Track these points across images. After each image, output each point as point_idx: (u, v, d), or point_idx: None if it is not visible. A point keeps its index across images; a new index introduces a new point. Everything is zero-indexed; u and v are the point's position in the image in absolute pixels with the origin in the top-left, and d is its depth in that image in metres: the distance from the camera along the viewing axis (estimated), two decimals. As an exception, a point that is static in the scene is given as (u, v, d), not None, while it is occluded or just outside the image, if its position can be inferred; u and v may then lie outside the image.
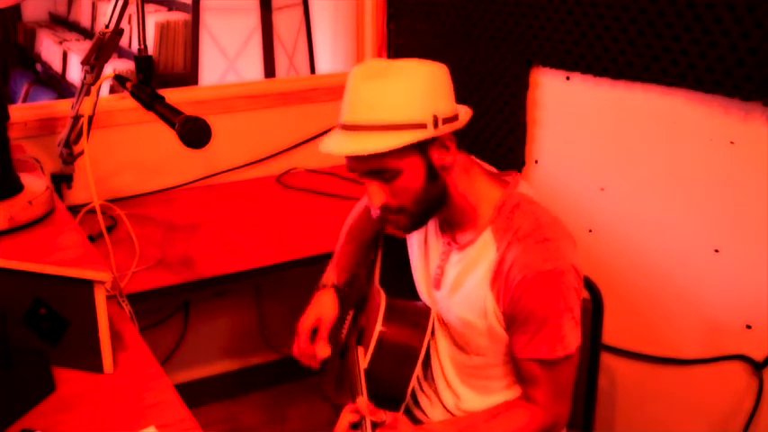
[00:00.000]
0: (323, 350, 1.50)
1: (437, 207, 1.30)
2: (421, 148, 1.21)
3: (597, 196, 1.88)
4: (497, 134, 2.12)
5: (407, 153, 1.20)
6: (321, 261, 1.87)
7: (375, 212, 1.29)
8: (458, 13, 2.16)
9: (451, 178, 1.28)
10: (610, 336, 1.81)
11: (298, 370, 1.58)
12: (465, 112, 1.28)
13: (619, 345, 1.89)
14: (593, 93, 1.84)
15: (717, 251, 1.64)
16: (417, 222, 1.31)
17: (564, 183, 1.98)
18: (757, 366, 1.60)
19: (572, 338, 1.26)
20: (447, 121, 1.22)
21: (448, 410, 1.44)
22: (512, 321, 1.29)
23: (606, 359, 1.91)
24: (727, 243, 1.62)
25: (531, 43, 1.95)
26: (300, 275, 1.88)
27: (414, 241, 1.47)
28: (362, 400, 1.29)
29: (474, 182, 1.32)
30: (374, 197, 1.25)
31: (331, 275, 1.62)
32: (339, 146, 1.21)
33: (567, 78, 1.91)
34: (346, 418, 1.28)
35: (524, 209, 1.29)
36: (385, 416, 1.27)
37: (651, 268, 1.79)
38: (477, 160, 1.39)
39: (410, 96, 1.19)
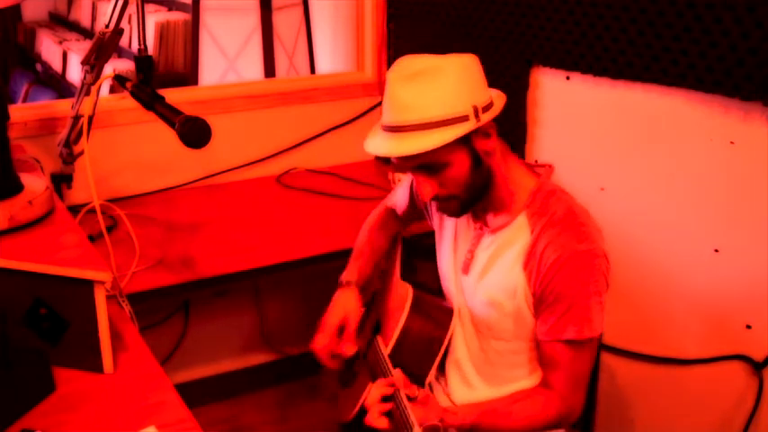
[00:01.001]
0: (349, 349, 1.49)
1: (484, 191, 1.34)
2: (465, 139, 1.25)
3: (597, 196, 1.88)
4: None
5: (454, 146, 1.24)
6: (321, 261, 1.88)
7: (426, 200, 1.32)
8: (458, 13, 2.16)
9: (495, 163, 1.32)
10: (610, 336, 1.81)
11: (298, 370, 1.58)
12: (498, 96, 1.32)
13: (619, 345, 1.89)
14: (593, 93, 1.84)
15: (717, 251, 1.64)
16: (467, 207, 1.35)
17: (564, 183, 1.97)
18: (757, 366, 1.60)
19: (598, 322, 1.29)
20: (486, 109, 1.27)
21: (454, 403, 1.46)
22: (540, 302, 1.31)
23: (606, 359, 1.91)
24: (727, 243, 1.62)
25: (531, 43, 1.95)
26: (300, 275, 1.88)
27: (446, 230, 1.50)
28: (399, 374, 1.32)
29: (511, 168, 1.36)
30: (424, 190, 1.29)
31: (352, 273, 1.61)
32: (388, 148, 1.25)
33: (567, 78, 1.91)
34: (379, 390, 1.30)
35: (559, 196, 1.34)
36: (418, 391, 1.29)
37: (651, 268, 1.79)
38: None
39: (449, 92, 1.23)
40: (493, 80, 2.09)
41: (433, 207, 1.51)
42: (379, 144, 1.28)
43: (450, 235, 1.48)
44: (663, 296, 1.78)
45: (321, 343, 1.50)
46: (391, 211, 1.69)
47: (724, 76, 1.51)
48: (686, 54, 1.57)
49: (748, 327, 1.61)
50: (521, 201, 1.35)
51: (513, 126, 2.07)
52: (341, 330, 1.51)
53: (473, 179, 1.29)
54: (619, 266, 1.86)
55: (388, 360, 1.41)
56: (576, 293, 1.27)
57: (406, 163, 1.28)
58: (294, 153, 2.50)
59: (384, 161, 1.31)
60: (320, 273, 1.75)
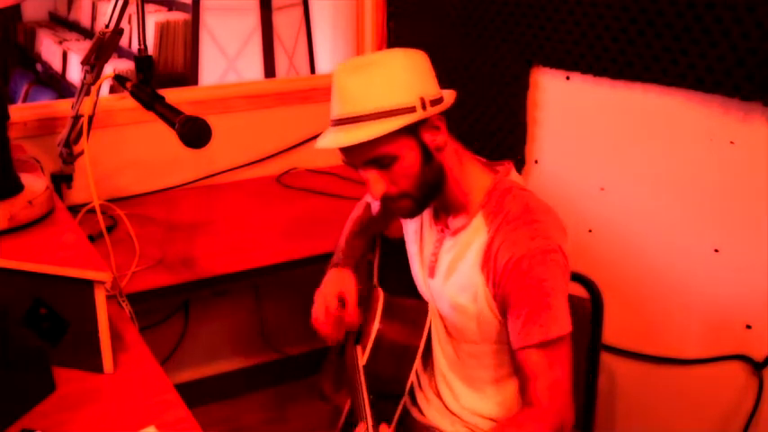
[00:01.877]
0: (356, 315, 1.45)
1: (437, 190, 1.31)
2: (413, 131, 1.24)
3: (597, 196, 1.88)
4: (497, 134, 2.12)
5: (400, 137, 1.23)
6: (321, 261, 1.87)
7: (376, 205, 1.30)
8: (458, 13, 2.16)
9: (446, 160, 1.31)
10: (610, 336, 1.81)
11: (298, 370, 1.58)
12: (449, 95, 1.31)
13: (619, 345, 1.89)
14: (593, 93, 1.84)
15: (717, 251, 1.64)
16: (420, 205, 1.32)
17: (564, 183, 1.98)
18: (757, 366, 1.60)
19: (564, 319, 1.25)
20: (434, 102, 1.26)
21: (448, 409, 1.45)
22: (503, 305, 1.29)
23: (606, 359, 1.91)
24: (727, 243, 1.62)
25: (531, 43, 1.95)
26: (300, 275, 1.88)
27: (410, 232, 1.49)
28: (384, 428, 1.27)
29: (466, 168, 1.34)
30: (375, 187, 1.27)
31: (339, 256, 1.58)
32: (333, 140, 1.25)
33: (567, 78, 1.91)
34: None
35: (515, 194, 1.32)
36: None
37: (651, 268, 1.79)
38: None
39: (395, 82, 1.23)
40: (493, 80, 2.11)
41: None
42: (328, 138, 1.26)
43: (415, 237, 1.46)
44: (663, 296, 1.78)
45: (322, 311, 1.44)
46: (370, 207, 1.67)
47: (724, 76, 1.51)
48: (686, 54, 1.57)
49: (748, 327, 1.61)
50: (477, 200, 1.33)
51: (513, 126, 2.07)
52: (341, 303, 1.46)
53: (424, 175, 1.27)
54: (618, 266, 1.87)
55: (362, 375, 1.36)
56: (534, 292, 1.24)
57: (354, 157, 1.26)
58: (294, 153, 2.50)
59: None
60: (320, 273, 1.75)
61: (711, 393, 1.71)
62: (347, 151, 1.26)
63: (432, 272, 1.41)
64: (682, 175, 1.68)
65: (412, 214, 1.34)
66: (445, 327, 1.42)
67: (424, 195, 1.30)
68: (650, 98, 1.70)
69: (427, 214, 1.43)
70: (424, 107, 1.23)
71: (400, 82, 1.23)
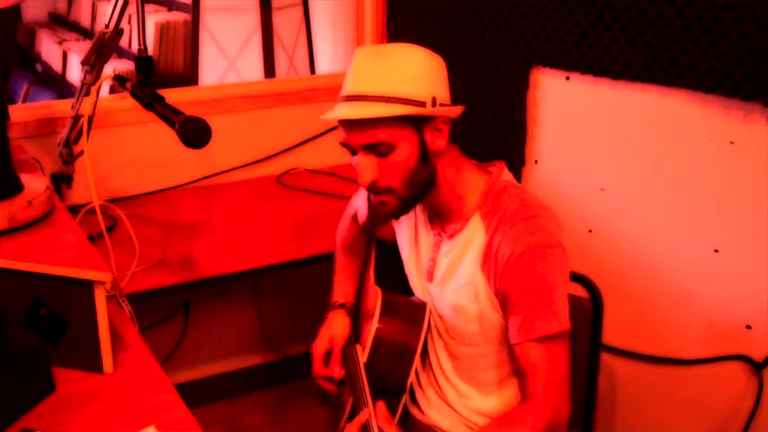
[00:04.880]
0: (338, 372, 1.52)
1: (424, 192, 1.31)
2: (417, 125, 1.25)
3: (597, 196, 1.88)
4: (497, 134, 2.12)
5: (403, 127, 1.24)
6: (321, 261, 1.87)
7: (363, 212, 1.30)
8: (458, 13, 2.16)
9: (441, 166, 1.31)
10: (610, 336, 1.81)
11: (298, 370, 1.58)
12: (458, 108, 1.31)
13: (619, 345, 1.89)
14: (593, 93, 1.84)
15: (717, 251, 1.64)
16: (405, 205, 1.32)
17: (564, 183, 1.98)
18: (757, 366, 1.60)
19: (564, 315, 1.27)
20: (444, 105, 1.27)
21: (452, 407, 1.45)
22: (504, 302, 1.29)
23: (606, 359, 1.91)
24: (727, 243, 1.62)
25: (531, 43, 1.95)
26: (300, 275, 1.88)
27: (404, 237, 1.49)
28: (381, 407, 1.31)
29: (461, 172, 1.35)
30: (365, 171, 1.27)
31: (338, 294, 1.64)
32: (340, 112, 1.25)
33: (567, 78, 1.91)
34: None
35: (511, 192, 1.32)
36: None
37: (651, 268, 1.79)
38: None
39: (412, 74, 1.24)
40: (493, 80, 2.11)
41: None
42: (337, 110, 1.26)
43: (411, 241, 1.46)
44: (663, 296, 1.78)
45: (315, 371, 1.55)
46: (354, 220, 1.67)
47: (724, 77, 1.51)
48: (686, 54, 1.57)
49: (748, 327, 1.61)
50: (472, 203, 1.33)
51: (513, 126, 2.07)
52: (329, 354, 1.54)
53: (416, 173, 1.27)
54: (618, 266, 1.86)
55: (363, 372, 1.39)
56: (536, 287, 1.25)
57: (355, 137, 1.25)
58: (294, 153, 2.50)
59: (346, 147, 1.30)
60: (320, 273, 1.75)
61: (711, 393, 1.71)
62: (350, 129, 1.26)
63: (430, 276, 1.41)
64: (682, 175, 1.68)
65: (395, 213, 1.34)
66: (446, 329, 1.42)
67: (410, 196, 1.30)
68: (650, 98, 1.70)
69: (422, 219, 1.43)
70: (434, 105, 1.24)
71: (417, 75, 1.24)
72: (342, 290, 1.65)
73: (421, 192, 1.31)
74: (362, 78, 1.25)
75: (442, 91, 1.28)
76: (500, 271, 1.27)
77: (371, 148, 1.25)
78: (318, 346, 1.56)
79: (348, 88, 1.26)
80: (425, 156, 1.27)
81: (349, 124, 1.25)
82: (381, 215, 1.37)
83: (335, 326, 1.57)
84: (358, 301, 1.60)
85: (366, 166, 1.27)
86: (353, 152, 1.29)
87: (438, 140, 1.28)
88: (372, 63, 1.25)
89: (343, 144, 1.29)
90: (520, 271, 1.25)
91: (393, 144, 1.24)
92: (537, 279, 1.25)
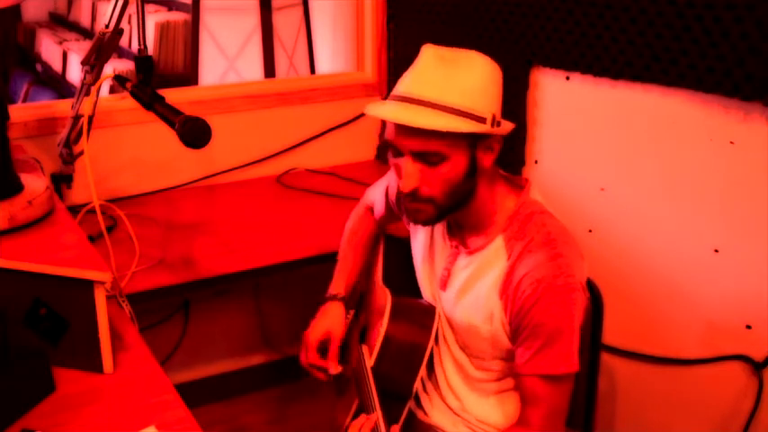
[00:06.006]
0: (334, 368, 1.49)
1: (461, 205, 1.29)
2: (472, 141, 1.22)
3: (597, 196, 1.88)
4: (497, 134, 2.12)
5: (461, 142, 1.20)
6: (321, 261, 1.87)
7: (380, 206, 1.27)
8: (458, 13, 2.16)
9: (481, 181, 1.28)
10: (610, 336, 1.81)
11: (298, 370, 1.58)
12: (507, 123, 1.29)
13: (619, 345, 1.89)
14: (593, 93, 1.84)
15: (717, 251, 1.64)
16: (441, 215, 1.29)
17: (564, 183, 1.98)
18: (757, 366, 1.60)
19: (575, 357, 1.26)
20: (500, 123, 1.24)
21: (454, 412, 1.45)
22: (517, 333, 1.28)
23: (606, 359, 1.91)
24: (727, 243, 1.62)
25: (531, 43, 1.95)
26: (300, 275, 1.88)
27: (418, 240, 1.47)
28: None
29: (495, 189, 1.32)
30: (408, 179, 1.22)
31: (338, 286, 1.61)
32: (405, 115, 1.18)
33: (567, 78, 1.91)
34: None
35: (537, 220, 1.29)
36: None
37: (651, 268, 1.79)
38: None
39: (479, 89, 1.21)
40: (493, 80, 2.10)
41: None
42: (394, 110, 1.20)
43: (425, 246, 1.45)
44: (663, 296, 1.78)
45: (303, 357, 1.51)
46: (370, 212, 1.66)
47: (724, 77, 1.51)
48: (686, 54, 1.57)
49: (748, 327, 1.61)
50: (500, 223, 1.31)
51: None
52: (323, 345, 1.51)
53: (460, 187, 1.24)
54: (618, 266, 1.86)
55: (371, 376, 1.38)
56: (553, 329, 1.24)
57: (409, 142, 1.20)
58: (294, 153, 2.50)
59: (382, 145, 1.26)
60: (320, 273, 1.75)
61: (711, 393, 1.71)
62: (404, 133, 1.20)
63: (444, 285, 1.40)
64: (682, 175, 1.68)
65: (429, 221, 1.30)
66: (454, 338, 1.42)
67: (449, 206, 1.27)
68: (650, 98, 1.70)
69: (439, 227, 1.41)
70: (493, 123, 1.21)
71: (482, 90, 1.21)
72: (341, 281, 1.61)
73: (458, 204, 1.28)
74: (429, 81, 1.20)
75: (499, 107, 1.25)
76: (518, 305, 1.26)
77: (422, 156, 1.21)
78: (313, 336, 1.51)
79: (409, 88, 1.21)
80: (473, 171, 1.24)
81: (404, 127, 1.19)
82: (411, 221, 1.33)
83: (332, 317, 1.53)
84: (358, 296, 1.60)
85: (412, 173, 1.22)
86: (399, 153, 1.24)
87: (488, 158, 1.26)
88: (441, 68, 1.20)
89: (389, 143, 1.24)
90: (538, 311, 1.24)
91: (446, 155, 1.20)
92: (554, 321, 1.24)
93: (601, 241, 1.90)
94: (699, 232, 1.67)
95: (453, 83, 1.19)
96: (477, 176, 1.25)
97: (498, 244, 1.30)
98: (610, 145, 1.84)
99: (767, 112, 1.48)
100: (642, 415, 1.90)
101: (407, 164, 1.22)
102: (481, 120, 1.19)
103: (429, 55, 1.23)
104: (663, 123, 1.70)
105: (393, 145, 1.23)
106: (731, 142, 1.56)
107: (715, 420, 1.71)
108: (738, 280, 1.61)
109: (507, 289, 1.27)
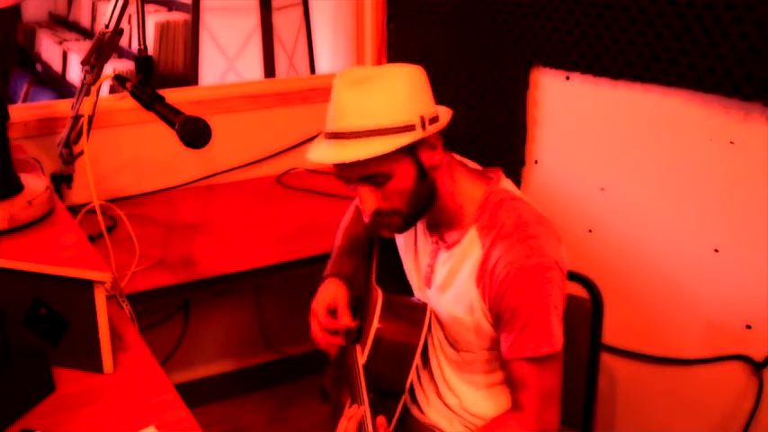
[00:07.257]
0: (349, 321, 1.46)
1: (428, 206, 1.31)
2: (410, 150, 1.22)
3: (597, 196, 1.88)
4: (497, 134, 2.12)
5: (398, 156, 1.21)
6: (321, 261, 1.87)
7: (367, 218, 1.28)
8: (458, 13, 2.16)
9: (439, 177, 1.29)
10: (610, 336, 1.81)
11: (298, 370, 1.58)
12: (445, 112, 1.29)
13: (619, 345, 1.89)
14: (594, 93, 1.84)
15: (717, 251, 1.64)
16: (409, 222, 1.32)
17: (564, 183, 1.98)
18: (757, 366, 1.60)
19: (557, 336, 1.26)
20: (432, 121, 1.24)
21: (451, 410, 1.45)
22: (498, 319, 1.29)
23: (606, 359, 1.91)
24: (727, 243, 1.62)
25: (531, 43, 1.95)
26: (300, 275, 1.88)
27: (403, 242, 1.48)
28: (382, 420, 1.28)
29: (457, 181, 1.33)
30: (366, 203, 1.25)
31: (333, 267, 1.60)
32: (331, 154, 1.21)
33: (567, 78, 1.91)
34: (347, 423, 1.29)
35: (507, 206, 1.30)
36: None
37: (651, 268, 1.79)
38: (459, 158, 1.40)
39: (395, 99, 1.20)
40: (493, 80, 2.10)
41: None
42: (324, 151, 1.23)
43: (410, 246, 1.46)
44: (663, 296, 1.78)
45: (316, 326, 1.47)
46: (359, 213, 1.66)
47: (724, 77, 1.51)
48: (686, 54, 1.57)
49: (748, 327, 1.61)
50: (470, 214, 1.32)
51: (513, 126, 2.07)
52: (332, 313, 1.48)
53: (417, 193, 1.25)
54: (618, 266, 1.86)
55: (362, 375, 1.38)
56: (531, 310, 1.24)
57: (349, 173, 1.22)
58: (294, 153, 2.50)
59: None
60: (320, 273, 1.75)
61: (711, 393, 1.71)
62: (342, 167, 1.22)
63: (428, 282, 1.41)
64: (682, 175, 1.68)
65: (400, 230, 1.33)
66: (444, 334, 1.43)
67: (415, 212, 1.29)
68: (650, 98, 1.70)
69: (421, 225, 1.43)
70: (423, 126, 1.21)
71: (401, 99, 1.21)
72: (333, 263, 1.60)
73: (424, 206, 1.30)
74: (346, 113, 1.21)
75: (427, 105, 1.25)
76: (495, 290, 1.27)
77: (368, 179, 1.23)
78: (319, 303, 1.48)
79: (333, 125, 1.22)
80: (423, 173, 1.26)
81: (341, 163, 1.21)
82: (386, 234, 1.36)
83: (334, 288, 1.51)
84: (354, 292, 1.60)
85: (367, 197, 1.24)
86: (348, 182, 1.26)
87: (434, 156, 1.26)
88: (354, 95, 1.21)
89: (337, 176, 1.26)
90: (514, 293, 1.24)
91: (390, 173, 1.22)
92: (531, 302, 1.24)
93: (601, 241, 1.90)
94: (699, 232, 1.67)
95: (370, 104, 1.20)
96: (430, 175, 1.27)
97: (472, 235, 1.31)
98: (610, 145, 1.84)
99: (767, 112, 1.48)
100: (642, 415, 1.90)
101: (359, 190, 1.25)
102: (409, 128, 1.20)
103: (340, 84, 1.24)
104: (663, 123, 1.70)
105: (341, 178, 1.26)
106: (731, 142, 1.56)
107: (715, 420, 1.71)
108: (738, 280, 1.61)
109: (483, 277, 1.28)
